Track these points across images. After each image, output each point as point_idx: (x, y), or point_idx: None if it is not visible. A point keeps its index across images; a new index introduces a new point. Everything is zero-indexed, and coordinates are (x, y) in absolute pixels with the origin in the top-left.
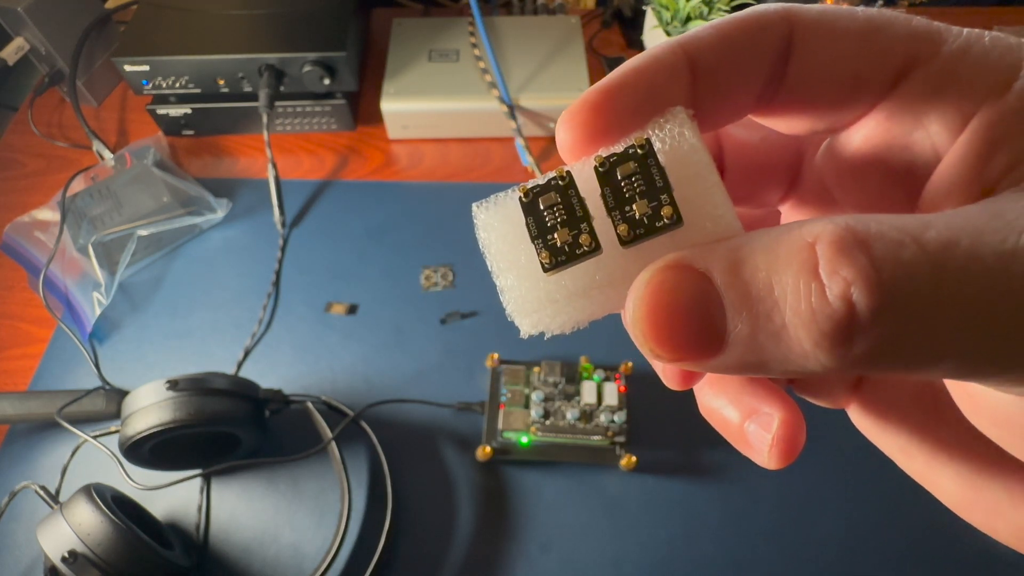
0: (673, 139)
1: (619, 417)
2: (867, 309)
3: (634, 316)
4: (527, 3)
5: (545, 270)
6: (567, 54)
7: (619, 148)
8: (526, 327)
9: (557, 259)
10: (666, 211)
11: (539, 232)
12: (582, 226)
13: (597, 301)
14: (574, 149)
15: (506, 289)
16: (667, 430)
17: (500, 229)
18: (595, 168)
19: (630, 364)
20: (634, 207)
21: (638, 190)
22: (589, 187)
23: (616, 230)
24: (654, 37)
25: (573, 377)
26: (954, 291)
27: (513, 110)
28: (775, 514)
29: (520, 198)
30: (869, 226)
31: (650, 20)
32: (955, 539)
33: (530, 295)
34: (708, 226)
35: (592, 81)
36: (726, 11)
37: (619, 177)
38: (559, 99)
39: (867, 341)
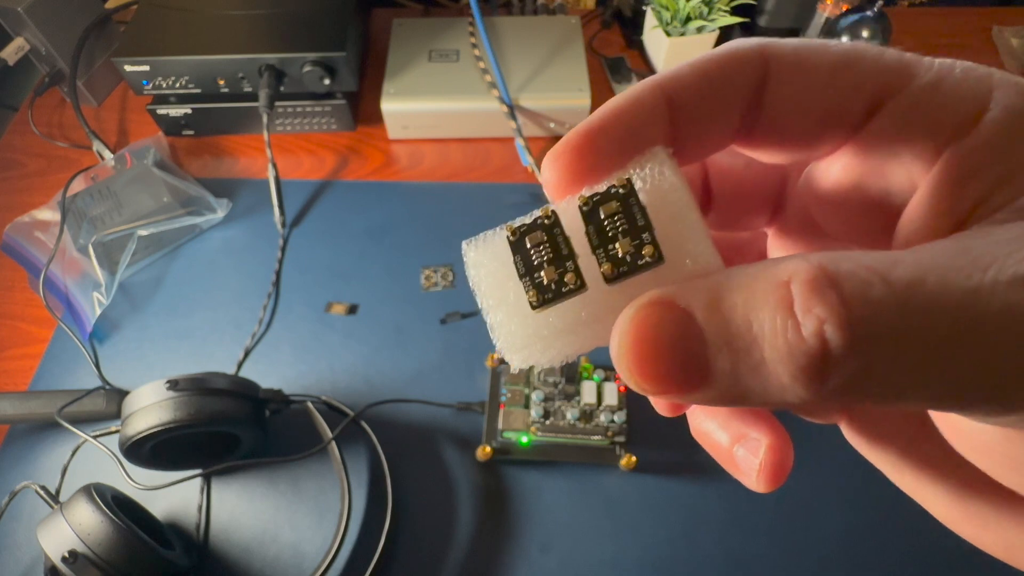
0: (654, 178)
1: (619, 417)
2: (839, 346)
3: (619, 351)
4: (527, 3)
5: (533, 308)
6: (567, 54)
7: (602, 188)
8: (516, 362)
9: (544, 297)
10: (647, 250)
11: (526, 270)
12: (567, 264)
13: (584, 336)
14: (559, 188)
15: (495, 326)
16: (667, 430)
17: (489, 267)
18: (579, 207)
19: None
20: (617, 246)
21: (621, 229)
22: (574, 225)
23: (600, 268)
24: (654, 37)
25: (573, 377)
26: (919, 328)
27: (513, 110)
28: (775, 514)
29: (508, 236)
30: (840, 265)
31: (650, 20)
32: (955, 539)
33: (519, 331)
34: (688, 263)
35: (592, 81)
36: (726, 11)
37: (602, 216)
38: (559, 99)
39: (841, 375)
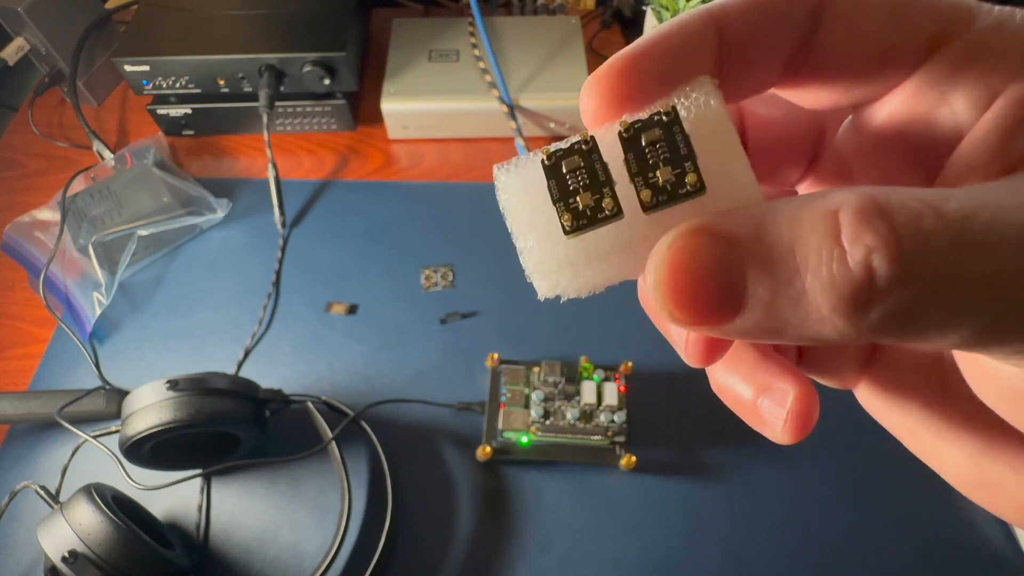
0: (699, 107)
1: (619, 417)
2: (887, 276)
3: (655, 278)
4: (527, 3)
5: (566, 232)
6: (567, 54)
7: (644, 115)
8: (544, 289)
9: (579, 222)
10: (690, 178)
11: (561, 195)
12: (604, 190)
13: (615, 265)
14: (598, 114)
15: (526, 250)
16: (667, 430)
17: (521, 190)
18: (619, 133)
19: (630, 364)
20: (658, 173)
21: (662, 157)
22: (612, 152)
23: (639, 196)
24: None
25: (573, 377)
26: (972, 261)
27: (513, 110)
28: (775, 514)
29: (543, 160)
30: (891, 196)
31: (650, 20)
32: (954, 539)
33: (550, 256)
34: (730, 194)
35: None
36: None
37: (643, 143)
38: (559, 99)
39: (885, 307)
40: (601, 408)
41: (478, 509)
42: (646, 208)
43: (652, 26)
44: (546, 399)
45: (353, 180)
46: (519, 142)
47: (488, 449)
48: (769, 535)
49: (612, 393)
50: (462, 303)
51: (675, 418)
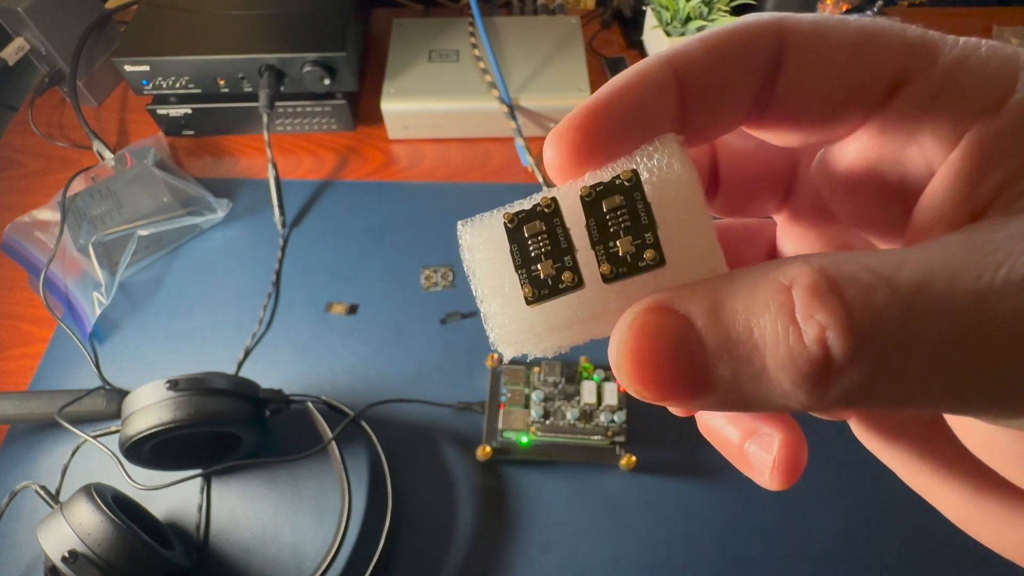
0: (661, 171)
1: (619, 417)
2: (841, 352)
3: (618, 358)
4: (527, 3)
5: (528, 303)
6: (567, 54)
7: (606, 176)
8: (508, 353)
9: (540, 292)
10: (649, 254)
11: (523, 262)
12: (565, 259)
13: (579, 331)
14: (562, 169)
15: (490, 316)
16: (667, 430)
17: (485, 252)
18: (581, 198)
19: None
20: (618, 244)
21: (623, 225)
22: (574, 215)
23: (599, 269)
24: (654, 37)
25: (573, 377)
26: (925, 334)
27: (513, 110)
28: (774, 514)
29: (505, 224)
30: (843, 268)
31: (650, 20)
32: (954, 539)
33: (512, 325)
34: (691, 266)
35: (592, 81)
36: (726, 11)
37: (605, 209)
38: (559, 99)
39: (844, 382)
40: (601, 408)
41: (478, 509)
42: (606, 280)
43: (652, 26)
44: (546, 399)
45: (353, 180)
46: (519, 142)
47: (488, 449)
48: (768, 535)
49: (612, 393)
50: (462, 303)
51: (675, 418)
